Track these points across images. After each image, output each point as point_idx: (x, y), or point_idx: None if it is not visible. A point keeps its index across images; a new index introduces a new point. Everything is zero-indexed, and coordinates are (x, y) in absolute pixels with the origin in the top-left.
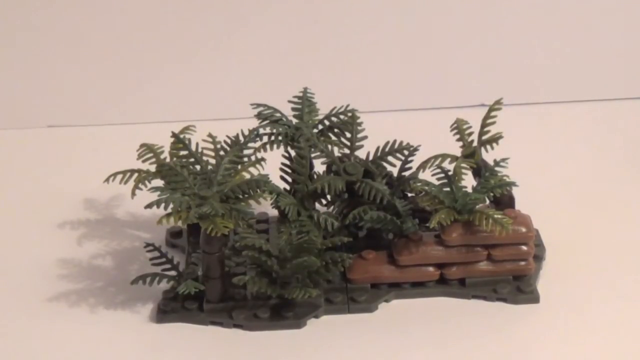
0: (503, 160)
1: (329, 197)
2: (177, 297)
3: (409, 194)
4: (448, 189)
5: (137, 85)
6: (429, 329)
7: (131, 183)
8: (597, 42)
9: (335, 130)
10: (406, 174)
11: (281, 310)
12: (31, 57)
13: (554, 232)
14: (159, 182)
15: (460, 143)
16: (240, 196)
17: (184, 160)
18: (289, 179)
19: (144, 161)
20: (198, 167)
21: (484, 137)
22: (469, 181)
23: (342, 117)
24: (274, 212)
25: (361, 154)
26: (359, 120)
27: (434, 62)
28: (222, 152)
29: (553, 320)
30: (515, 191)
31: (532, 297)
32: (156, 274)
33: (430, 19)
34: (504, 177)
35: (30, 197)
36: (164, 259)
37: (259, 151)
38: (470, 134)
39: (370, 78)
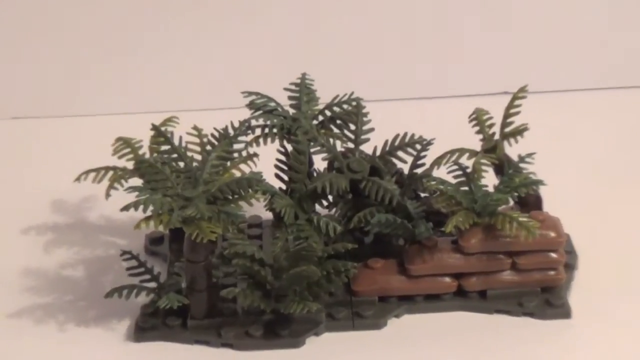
0: (529, 155)
1: (330, 197)
2: (157, 313)
3: (422, 194)
4: (466, 188)
5: (112, 71)
6: (445, 348)
7: (105, 182)
8: (628, 27)
9: (338, 121)
10: (419, 171)
11: (276, 327)
12: None
13: (588, 237)
14: (137, 181)
15: (480, 136)
16: (230, 197)
17: (165, 156)
18: (285, 178)
19: (120, 157)
20: (182, 163)
21: (507, 129)
22: (490, 179)
23: (345, 106)
24: (268, 215)
25: (367, 148)
26: (364, 110)
27: (450, 45)
28: (208, 147)
29: (587, 337)
30: (542, 190)
31: (562, 311)
32: (134, 286)
33: None
34: (530, 175)
35: None
36: (142, 269)
37: (251, 146)
38: (492, 125)
39: (378, 62)
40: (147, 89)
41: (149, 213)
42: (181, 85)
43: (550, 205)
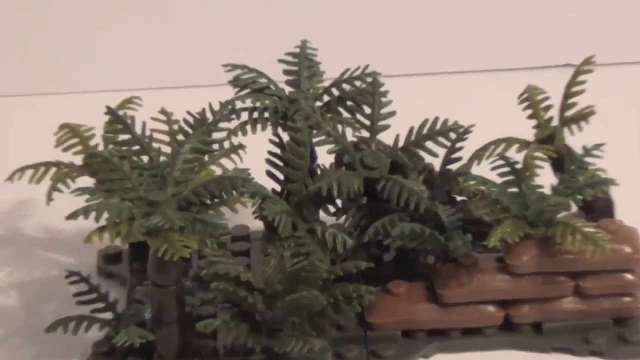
0: (598, 146)
1: (339, 202)
2: (114, 352)
3: (458, 198)
4: (515, 189)
5: (56, 40)
6: None
7: (47, 182)
8: None
9: (349, 102)
10: (454, 167)
11: None
12: None
13: None
14: (87, 181)
15: (534, 121)
16: (208, 201)
17: (124, 148)
18: (280, 176)
19: (65, 149)
20: (145, 158)
21: (569, 113)
22: (546, 178)
23: (358, 83)
24: (257, 225)
25: (387, 138)
26: (383, 89)
27: (496, 5)
28: (180, 136)
29: None
30: (614, 192)
31: None
32: (83, 317)
33: None
34: (599, 172)
35: None
36: (94, 295)
37: (236, 134)
38: (548, 108)
39: (401, 27)
40: (102, 62)
41: (102, 222)
42: (145, 57)
43: (625, 211)
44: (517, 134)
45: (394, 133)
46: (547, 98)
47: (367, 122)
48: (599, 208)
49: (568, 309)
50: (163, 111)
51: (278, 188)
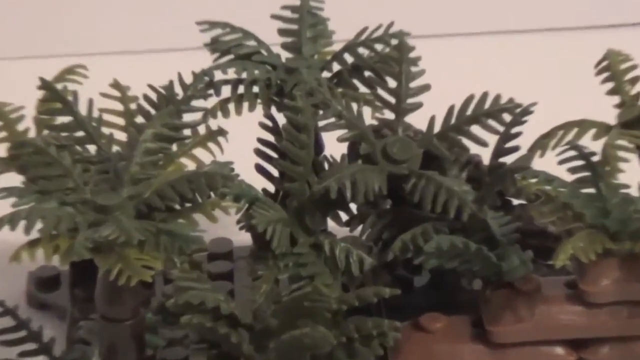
0: None
1: (353, 207)
2: None
3: (515, 201)
4: (591, 190)
5: None
6: None
7: None
8: None
9: (367, 73)
10: (508, 160)
11: None
12: None
13: None
14: (14, 179)
15: (616, 98)
16: (177, 206)
17: (64, 134)
18: (275, 172)
19: None
20: (93, 147)
21: None
22: (631, 174)
23: (379, 47)
24: (244, 238)
25: (419, 121)
26: (413, 54)
27: None
28: (140, 119)
29: None
30: None
31: None
32: None
33: None
34: None
35: None
36: (23, 332)
37: (214, 116)
38: (636, 80)
39: None
40: (35, 18)
41: (35, 234)
42: (94, 11)
43: None
44: (593, 116)
45: (428, 114)
46: (633, 67)
47: (392, 100)
48: None
49: None
50: (116, 84)
51: (271, 188)
